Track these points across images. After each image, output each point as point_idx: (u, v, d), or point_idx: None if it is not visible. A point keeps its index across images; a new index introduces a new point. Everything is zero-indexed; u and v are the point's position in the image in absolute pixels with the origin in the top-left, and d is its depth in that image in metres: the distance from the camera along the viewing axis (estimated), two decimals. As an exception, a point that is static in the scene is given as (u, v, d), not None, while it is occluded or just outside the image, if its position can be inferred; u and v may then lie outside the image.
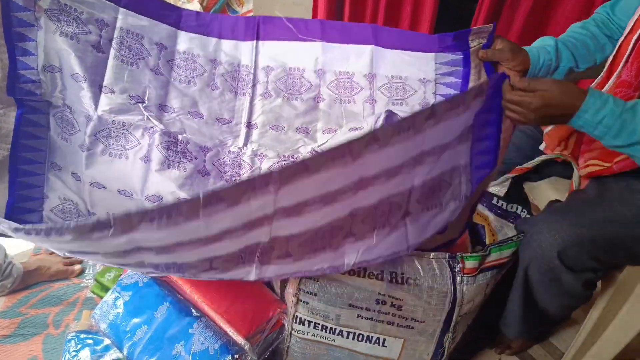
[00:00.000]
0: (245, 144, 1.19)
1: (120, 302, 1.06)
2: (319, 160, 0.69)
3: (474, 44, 0.91)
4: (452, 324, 1.02)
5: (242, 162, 1.18)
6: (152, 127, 1.10)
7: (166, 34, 1.16)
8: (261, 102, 1.21)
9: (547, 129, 1.17)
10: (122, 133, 1.10)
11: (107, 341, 1.04)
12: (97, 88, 1.08)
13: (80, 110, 1.08)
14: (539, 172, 1.22)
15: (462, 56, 1.10)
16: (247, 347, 1.00)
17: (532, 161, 1.19)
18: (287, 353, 1.11)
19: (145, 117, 1.10)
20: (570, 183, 1.14)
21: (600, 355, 1.09)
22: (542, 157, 1.17)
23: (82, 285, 1.33)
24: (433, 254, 1.02)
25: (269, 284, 1.18)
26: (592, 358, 1.11)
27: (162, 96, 1.16)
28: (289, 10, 2.11)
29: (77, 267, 1.37)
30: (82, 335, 1.05)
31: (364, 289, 0.98)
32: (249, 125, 1.21)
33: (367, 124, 1.16)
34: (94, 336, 1.05)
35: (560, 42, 1.04)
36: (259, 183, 0.66)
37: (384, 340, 1.04)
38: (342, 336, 1.04)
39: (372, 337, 1.04)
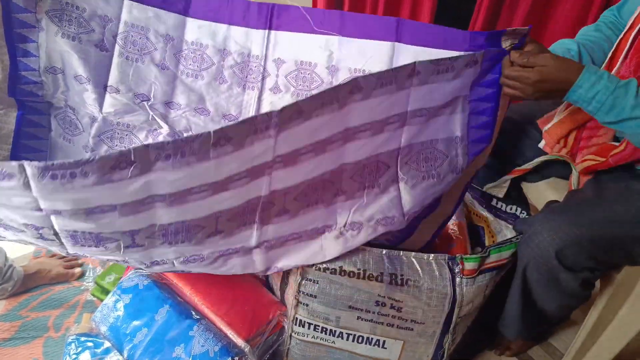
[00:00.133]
0: None
1: (120, 305, 1.06)
2: (311, 104, 0.76)
3: (505, 44, 0.90)
4: (452, 326, 1.02)
5: None
6: (156, 129, 1.10)
7: (173, 23, 1.13)
8: (269, 98, 1.19)
9: (547, 127, 1.17)
10: (126, 135, 1.10)
11: (107, 344, 1.04)
12: (101, 88, 1.08)
13: (85, 111, 1.08)
14: (538, 173, 1.23)
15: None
16: (247, 349, 1.00)
17: (531, 162, 1.19)
18: (287, 355, 1.12)
19: (151, 116, 1.10)
20: (568, 183, 1.14)
21: (599, 356, 1.09)
22: (541, 158, 1.17)
23: (82, 288, 1.33)
24: (432, 255, 1.02)
25: (269, 286, 1.18)
26: (591, 359, 1.11)
27: (168, 93, 1.14)
28: (287, 3, 2.10)
29: (78, 270, 1.37)
30: (83, 338, 1.05)
31: (363, 290, 0.98)
32: None
33: None
34: (95, 339, 1.05)
35: (581, 45, 1.06)
36: (260, 124, 0.71)
37: (384, 342, 1.04)
38: (342, 338, 1.04)
39: (372, 338, 1.04)
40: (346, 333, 1.03)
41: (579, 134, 1.13)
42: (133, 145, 0.80)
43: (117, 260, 0.87)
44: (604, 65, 1.02)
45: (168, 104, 1.14)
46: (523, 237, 1.01)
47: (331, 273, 0.98)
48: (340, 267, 0.98)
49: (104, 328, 1.06)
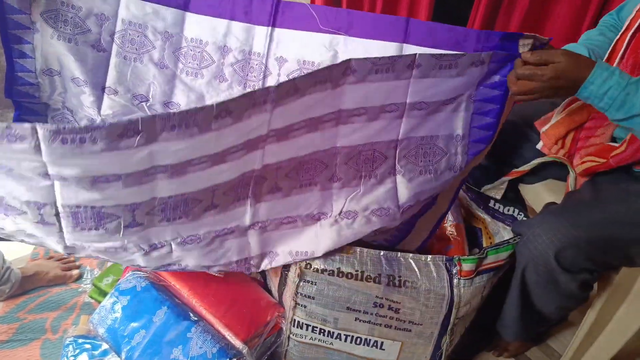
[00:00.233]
0: None
1: (118, 307, 1.06)
2: (306, 81, 0.78)
3: (523, 49, 0.89)
4: (450, 327, 1.02)
5: None
6: None
7: (172, 19, 1.10)
8: None
9: (544, 128, 1.17)
10: None
11: (105, 346, 1.04)
12: (99, 90, 1.07)
13: (83, 113, 1.08)
14: (535, 175, 1.23)
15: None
16: (245, 350, 1.00)
17: (528, 164, 1.19)
18: (285, 356, 1.12)
19: None
20: (565, 185, 1.15)
21: (597, 357, 1.10)
22: (538, 160, 1.18)
23: (80, 290, 1.33)
24: (430, 256, 1.02)
25: (267, 288, 1.18)
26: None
27: (167, 92, 1.13)
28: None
29: (75, 272, 1.36)
30: (80, 340, 1.05)
31: (361, 292, 0.98)
32: None
33: None
34: (92, 341, 1.05)
35: (590, 50, 1.06)
36: (258, 98, 0.74)
37: (382, 343, 1.04)
38: (340, 339, 1.04)
39: (370, 340, 1.04)
40: (344, 334, 1.03)
41: (577, 134, 1.13)
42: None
43: (115, 250, 0.87)
44: None
45: (167, 104, 1.13)
46: (522, 239, 1.01)
47: (329, 274, 0.98)
48: (338, 269, 0.99)
49: (101, 330, 1.06)
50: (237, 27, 1.11)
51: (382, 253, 1.02)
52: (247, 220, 0.93)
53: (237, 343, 1.01)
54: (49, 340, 1.18)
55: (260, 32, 1.11)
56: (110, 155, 0.68)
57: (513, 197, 1.29)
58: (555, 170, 1.20)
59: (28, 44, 1.03)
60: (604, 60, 1.03)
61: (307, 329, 1.04)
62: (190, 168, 0.77)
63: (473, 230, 1.33)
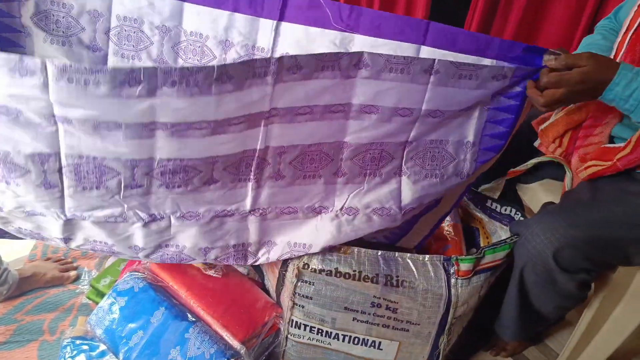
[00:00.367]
0: None
1: (116, 308, 1.06)
2: (310, 61, 0.78)
3: (549, 63, 0.86)
4: (447, 326, 1.02)
5: None
6: None
7: (169, 11, 1.04)
8: None
9: (543, 126, 1.18)
10: None
11: (102, 347, 1.04)
12: None
13: None
14: (532, 174, 1.23)
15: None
16: (243, 351, 1.00)
17: (525, 164, 1.20)
18: (283, 357, 1.12)
19: None
20: (562, 185, 1.15)
21: (594, 356, 1.10)
22: (535, 160, 1.18)
23: (77, 291, 1.33)
24: (428, 256, 1.02)
25: (265, 288, 1.18)
26: (586, 359, 1.12)
27: None
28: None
29: (73, 273, 1.36)
30: (78, 341, 1.05)
31: (359, 292, 0.99)
32: None
33: None
34: (90, 342, 1.05)
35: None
36: (258, 68, 0.75)
37: (380, 343, 1.04)
38: (338, 339, 1.04)
39: (367, 340, 1.04)
40: (342, 334, 1.03)
41: (575, 133, 1.13)
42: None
43: (115, 220, 0.88)
44: None
45: None
46: (520, 239, 1.01)
47: (327, 275, 0.99)
48: (336, 269, 0.99)
49: (99, 331, 1.06)
50: (240, 19, 1.04)
51: (379, 253, 1.02)
52: (247, 205, 0.93)
53: (235, 343, 1.01)
54: (47, 341, 1.17)
55: (266, 25, 1.04)
56: (112, 102, 0.70)
57: (511, 197, 1.30)
58: (552, 170, 1.20)
59: (21, 49, 1.01)
60: None
61: (304, 329, 1.04)
62: (190, 132, 0.78)
63: (471, 230, 1.34)
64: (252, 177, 0.90)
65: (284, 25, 1.03)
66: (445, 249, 1.24)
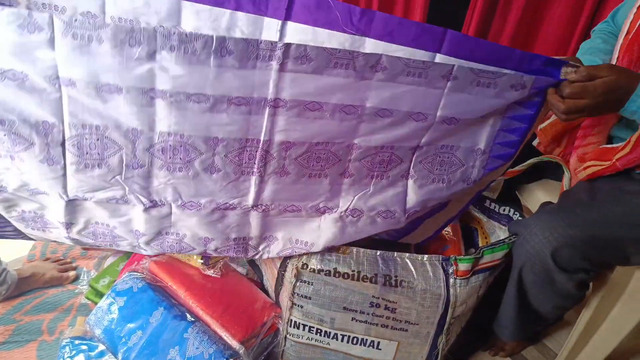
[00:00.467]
0: None
1: (114, 308, 1.06)
2: (320, 54, 0.77)
3: (568, 76, 0.84)
4: (446, 326, 1.03)
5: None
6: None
7: (167, 10, 0.99)
8: None
9: (542, 125, 1.18)
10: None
11: (101, 347, 1.04)
12: None
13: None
14: (530, 174, 1.23)
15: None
16: (242, 351, 1.00)
17: (524, 164, 1.20)
18: (282, 357, 1.12)
19: None
20: (560, 185, 1.15)
21: (592, 356, 1.10)
22: (534, 160, 1.18)
23: (76, 291, 1.33)
24: (426, 256, 1.03)
25: (264, 288, 1.18)
26: (584, 358, 1.12)
27: None
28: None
29: (72, 273, 1.36)
30: (77, 341, 1.05)
31: (358, 292, 0.99)
32: None
33: None
34: (89, 342, 1.05)
35: (602, 60, 1.05)
36: (263, 50, 0.75)
37: (379, 343, 1.04)
38: (337, 339, 1.04)
39: (366, 340, 1.04)
40: (341, 334, 1.04)
41: (574, 133, 1.14)
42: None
43: (117, 202, 0.88)
44: None
45: None
46: (518, 239, 1.01)
47: (325, 275, 0.99)
48: (335, 269, 0.99)
49: (98, 331, 1.06)
50: (243, 18, 0.99)
51: (378, 253, 1.02)
52: (250, 199, 0.92)
53: (234, 343, 1.01)
54: (46, 341, 1.17)
55: (270, 25, 0.98)
56: (114, 62, 0.73)
57: (509, 196, 1.30)
58: (550, 170, 1.20)
59: None
60: None
61: (303, 329, 1.05)
62: (189, 104, 0.78)
63: (469, 230, 1.34)
64: (255, 170, 0.89)
65: (290, 25, 0.98)
66: (444, 249, 1.24)
